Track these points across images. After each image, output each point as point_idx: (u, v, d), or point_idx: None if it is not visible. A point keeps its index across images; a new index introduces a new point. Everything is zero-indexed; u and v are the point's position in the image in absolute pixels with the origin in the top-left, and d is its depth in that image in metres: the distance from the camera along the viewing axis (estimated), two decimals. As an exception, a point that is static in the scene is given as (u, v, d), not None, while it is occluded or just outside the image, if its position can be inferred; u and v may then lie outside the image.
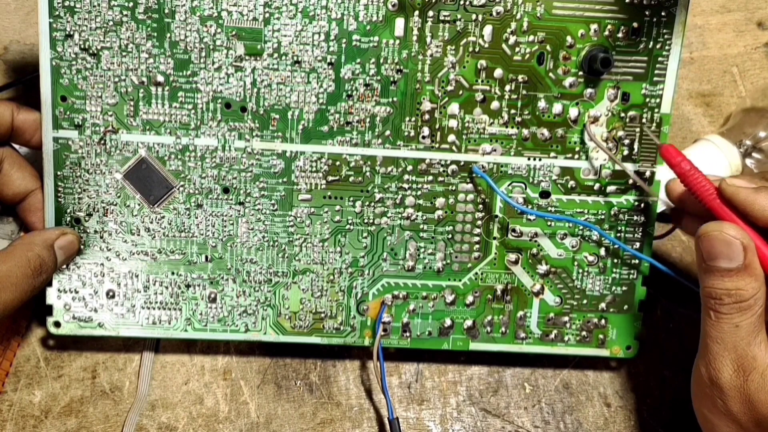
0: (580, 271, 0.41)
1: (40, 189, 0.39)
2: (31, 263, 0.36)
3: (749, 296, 0.33)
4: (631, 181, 0.40)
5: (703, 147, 0.43)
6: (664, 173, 0.40)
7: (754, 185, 0.34)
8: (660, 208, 0.41)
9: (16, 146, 0.40)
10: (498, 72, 0.39)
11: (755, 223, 0.34)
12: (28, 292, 0.35)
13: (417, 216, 0.40)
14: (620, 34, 0.38)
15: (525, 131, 0.40)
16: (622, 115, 0.40)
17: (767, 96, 0.45)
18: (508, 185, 0.40)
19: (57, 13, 0.37)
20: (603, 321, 0.42)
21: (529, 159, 0.40)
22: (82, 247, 0.39)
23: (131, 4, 0.37)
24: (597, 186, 0.40)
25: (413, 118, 0.39)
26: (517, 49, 0.39)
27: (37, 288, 0.36)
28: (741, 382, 0.33)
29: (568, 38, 0.38)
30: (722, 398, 0.34)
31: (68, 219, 0.39)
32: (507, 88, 0.39)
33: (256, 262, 0.40)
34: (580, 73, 0.39)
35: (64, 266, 0.39)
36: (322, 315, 0.41)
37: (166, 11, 0.37)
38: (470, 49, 0.39)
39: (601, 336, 0.42)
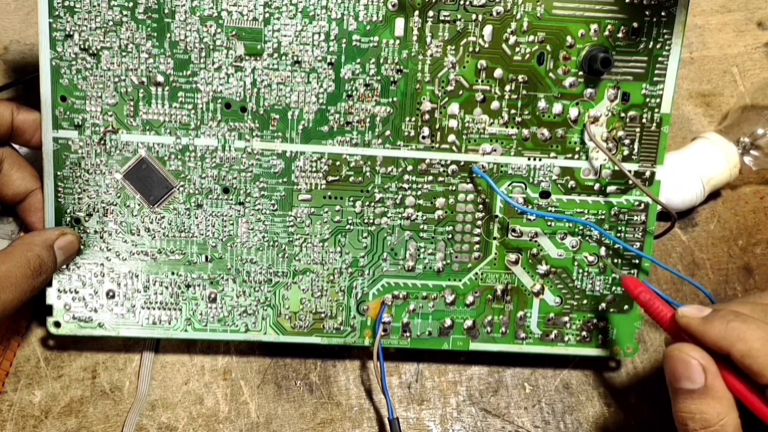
0: (580, 271, 0.41)
1: (40, 189, 0.39)
2: (31, 263, 0.36)
3: (714, 421, 0.32)
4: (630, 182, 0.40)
5: (700, 145, 0.43)
6: (664, 173, 0.40)
7: (705, 313, 0.33)
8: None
9: (16, 146, 0.40)
10: (498, 72, 0.39)
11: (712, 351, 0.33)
12: (28, 292, 0.35)
13: (417, 216, 0.40)
14: (620, 34, 0.38)
15: (525, 131, 0.39)
16: (622, 115, 0.39)
17: (765, 93, 0.45)
18: (508, 185, 0.40)
19: (57, 13, 0.37)
20: (603, 321, 0.42)
21: (529, 159, 0.40)
22: (82, 247, 0.39)
23: (131, 4, 0.37)
24: (597, 186, 0.40)
25: (413, 118, 0.39)
26: (517, 49, 0.39)
27: (37, 288, 0.36)
28: None
29: (568, 38, 0.38)
30: None
31: (68, 219, 0.39)
32: (507, 88, 0.39)
33: (256, 262, 0.40)
34: (580, 73, 0.39)
35: (64, 266, 0.39)
36: (322, 315, 0.41)
37: (166, 11, 0.37)
38: (470, 49, 0.39)
39: (601, 336, 0.42)
